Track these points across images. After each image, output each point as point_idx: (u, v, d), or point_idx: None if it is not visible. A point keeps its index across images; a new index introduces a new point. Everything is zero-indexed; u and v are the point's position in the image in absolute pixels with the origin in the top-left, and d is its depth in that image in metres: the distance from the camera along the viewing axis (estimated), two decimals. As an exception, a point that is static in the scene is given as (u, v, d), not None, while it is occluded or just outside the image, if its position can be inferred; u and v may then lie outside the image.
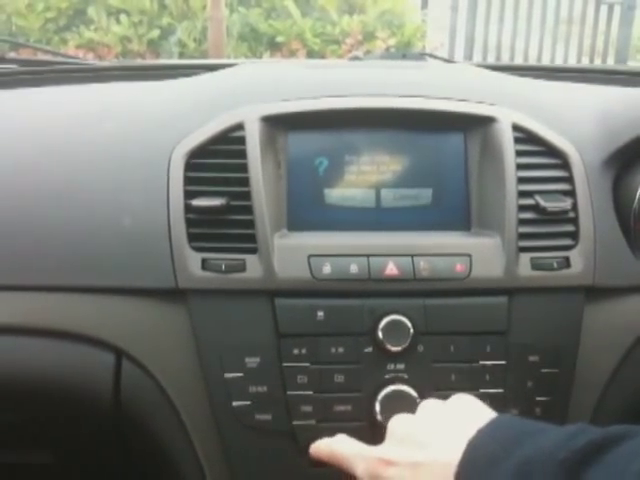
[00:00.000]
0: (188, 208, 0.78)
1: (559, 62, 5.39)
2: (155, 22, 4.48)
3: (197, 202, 0.78)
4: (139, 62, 1.39)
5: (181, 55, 4.40)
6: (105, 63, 1.24)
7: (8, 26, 4.52)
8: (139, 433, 0.81)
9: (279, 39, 4.52)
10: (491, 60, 5.33)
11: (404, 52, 1.24)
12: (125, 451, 0.86)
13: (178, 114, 0.86)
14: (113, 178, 0.82)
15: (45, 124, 0.89)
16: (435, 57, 1.28)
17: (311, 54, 4.42)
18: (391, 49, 4.46)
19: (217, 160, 0.80)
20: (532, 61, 5.36)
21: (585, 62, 5.47)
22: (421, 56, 1.24)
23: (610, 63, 5.47)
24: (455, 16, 5.43)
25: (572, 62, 5.43)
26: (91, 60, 2.23)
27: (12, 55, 1.19)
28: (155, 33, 4.48)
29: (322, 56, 4.42)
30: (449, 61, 1.33)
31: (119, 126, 0.87)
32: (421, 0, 5.32)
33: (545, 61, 5.41)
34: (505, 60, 5.35)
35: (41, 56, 1.60)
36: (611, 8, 5.49)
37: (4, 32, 4.44)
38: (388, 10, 4.80)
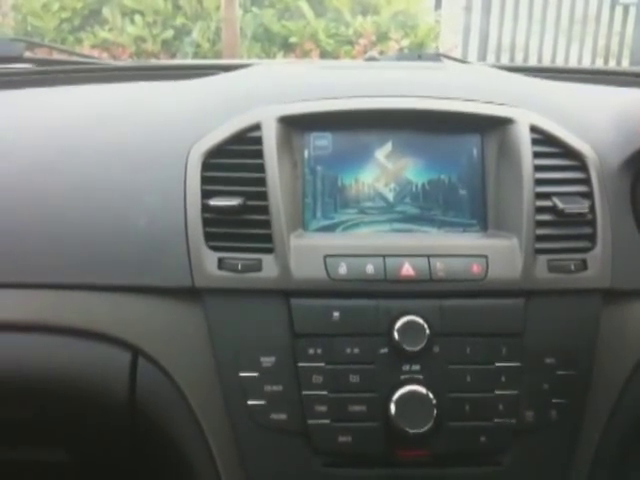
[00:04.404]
0: (205, 208, 0.78)
1: (573, 62, 5.36)
2: (169, 22, 4.49)
3: (214, 202, 0.78)
4: (155, 62, 1.40)
5: (195, 55, 4.40)
6: (121, 63, 1.25)
7: (24, 26, 4.55)
8: (154, 431, 0.82)
9: (292, 40, 4.52)
10: (505, 60, 5.30)
11: (419, 53, 1.24)
12: (140, 449, 0.87)
13: (195, 114, 0.86)
14: (130, 178, 0.82)
15: (62, 124, 0.90)
16: (450, 58, 1.28)
17: (324, 55, 4.41)
18: (405, 50, 4.45)
19: (234, 160, 0.80)
20: (546, 62, 5.34)
21: (599, 63, 5.44)
22: (437, 57, 1.24)
23: (625, 64, 5.44)
24: (469, 17, 5.41)
25: (586, 63, 5.40)
26: (106, 60, 2.24)
27: (28, 55, 1.19)
28: (169, 33, 4.49)
29: (335, 57, 4.41)
30: (464, 62, 1.32)
31: (136, 126, 0.87)
32: (435, 1, 5.31)
33: (559, 61, 5.38)
34: (519, 60, 5.32)
35: (57, 56, 1.61)
36: (626, 9, 5.45)
37: (20, 32, 4.47)
38: (402, 11, 4.78)
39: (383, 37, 4.59)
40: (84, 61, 1.26)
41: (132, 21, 4.49)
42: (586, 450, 0.82)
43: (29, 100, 0.99)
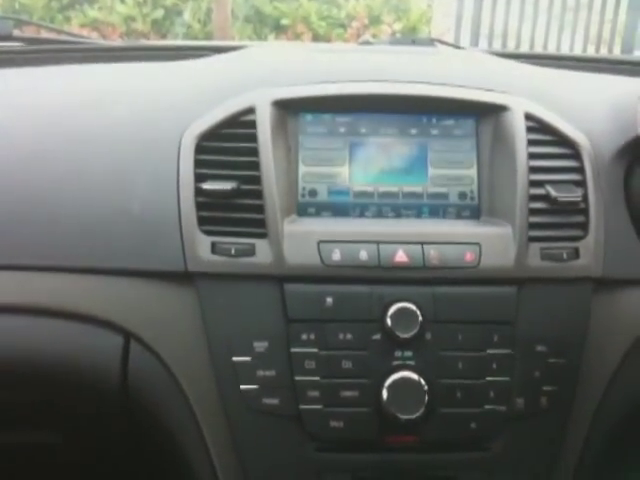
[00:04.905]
0: (198, 191, 0.78)
1: (565, 49, 5.36)
2: (159, 2, 4.45)
3: (207, 186, 0.77)
4: (146, 43, 1.38)
5: (185, 36, 4.37)
6: (111, 43, 1.23)
7: (12, 4, 4.48)
8: (146, 416, 0.82)
9: (284, 22, 4.49)
10: (497, 46, 5.29)
11: (413, 38, 1.23)
12: (132, 434, 0.86)
13: (188, 97, 0.85)
14: (123, 160, 0.81)
15: (52, 105, 0.89)
16: (444, 43, 1.27)
17: (316, 37, 4.39)
18: (397, 34, 4.43)
19: (228, 144, 0.80)
20: (538, 48, 5.33)
21: (591, 50, 5.44)
22: (430, 42, 1.23)
23: (616, 51, 5.44)
24: (461, 1, 5.39)
25: (578, 49, 5.40)
26: (96, 39, 2.20)
27: (17, 33, 1.17)
28: (159, 13, 4.44)
29: (327, 40, 4.39)
30: (458, 47, 1.32)
31: (128, 108, 0.86)
32: (427, -15, 5.28)
33: (551, 48, 5.38)
34: (511, 46, 5.31)
35: (46, 34, 1.58)
36: (619, -4, 5.44)
37: (8, 10, 4.40)
38: (394, -6, 4.77)
39: (375, 20, 4.57)
40: (74, 40, 1.24)
41: (122, 0, 4.44)
42: (575, 437, 0.83)
43: (18, 79, 0.98)
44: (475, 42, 5.29)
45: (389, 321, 0.76)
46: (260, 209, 0.78)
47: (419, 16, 4.83)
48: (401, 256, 0.78)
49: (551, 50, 5.32)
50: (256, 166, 0.78)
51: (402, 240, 0.78)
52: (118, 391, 0.80)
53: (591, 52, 5.37)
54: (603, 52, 5.44)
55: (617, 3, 5.46)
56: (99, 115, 0.86)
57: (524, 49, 5.25)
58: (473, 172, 0.84)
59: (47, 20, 4.39)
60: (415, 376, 0.76)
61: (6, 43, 1.14)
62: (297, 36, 4.36)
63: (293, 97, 0.82)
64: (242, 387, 0.77)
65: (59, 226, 0.80)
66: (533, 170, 0.81)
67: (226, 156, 0.79)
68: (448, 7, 5.42)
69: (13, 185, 0.82)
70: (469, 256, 0.78)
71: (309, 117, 0.83)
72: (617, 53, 5.41)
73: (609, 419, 0.84)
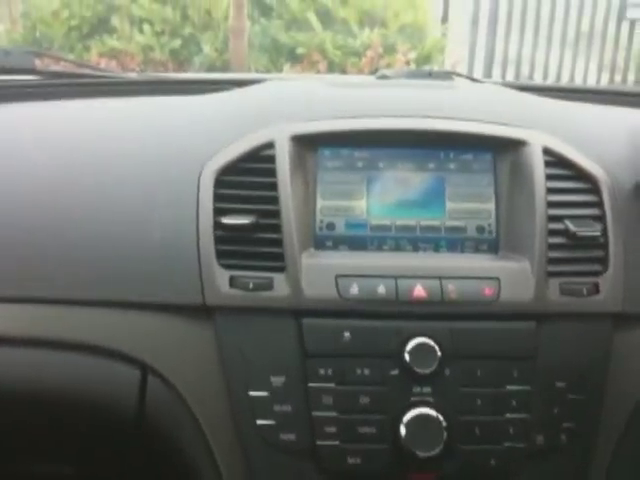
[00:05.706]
0: (217, 225, 0.78)
1: (579, 77, 5.37)
2: (177, 32, 4.52)
3: (226, 220, 0.78)
4: (165, 76, 1.39)
5: (202, 65, 4.42)
6: (131, 76, 1.25)
7: (32, 33, 4.57)
8: (162, 449, 0.82)
9: (300, 51, 4.54)
10: (510, 74, 5.32)
11: (430, 70, 1.24)
12: (148, 466, 0.86)
13: (208, 130, 0.86)
14: (143, 193, 0.82)
15: (75, 138, 0.90)
16: (461, 76, 1.27)
17: (332, 66, 4.43)
18: (411, 63, 4.47)
19: (247, 178, 0.81)
20: (551, 76, 5.35)
21: (605, 78, 5.45)
22: (448, 75, 1.23)
23: (630, 79, 5.45)
24: (475, 30, 5.43)
25: (592, 77, 5.41)
26: (114, 69, 2.23)
27: (39, 64, 1.19)
28: (177, 43, 4.51)
29: (342, 68, 4.43)
30: (476, 80, 1.32)
31: (149, 142, 0.87)
32: (441, 14, 5.33)
33: (565, 75, 5.39)
34: (524, 74, 5.34)
35: (66, 66, 1.61)
36: (632, 24, 5.47)
37: (28, 39, 4.49)
38: (409, 24, 4.80)
39: (390, 49, 4.60)
40: (96, 74, 1.26)
41: (141, 30, 4.51)
42: (596, 473, 0.82)
43: (42, 113, 0.99)
44: (489, 69, 5.32)
45: (407, 357, 0.76)
46: (278, 243, 0.78)
47: (433, 45, 4.86)
48: (419, 291, 0.77)
49: (565, 77, 5.34)
50: (275, 200, 0.79)
51: (420, 275, 0.78)
52: (135, 424, 0.80)
53: (605, 79, 5.38)
54: (617, 79, 5.45)
55: (631, 30, 5.48)
56: (119, 148, 0.87)
57: (538, 76, 5.28)
58: (491, 206, 0.84)
59: (67, 48, 4.47)
60: (434, 412, 0.76)
61: (28, 77, 1.16)
62: (312, 65, 4.40)
63: (312, 132, 0.83)
64: (258, 422, 0.77)
65: (77, 259, 0.80)
66: (552, 205, 0.81)
67: (245, 190, 0.80)
68: (462, 35, 5.46)
69: (31, 218, 0.83)
70: (488, 291, 0.78)
71: (327, 152, 0.84)
72: (631, 80, 5.42)
73: (630, 454, 0.83)
